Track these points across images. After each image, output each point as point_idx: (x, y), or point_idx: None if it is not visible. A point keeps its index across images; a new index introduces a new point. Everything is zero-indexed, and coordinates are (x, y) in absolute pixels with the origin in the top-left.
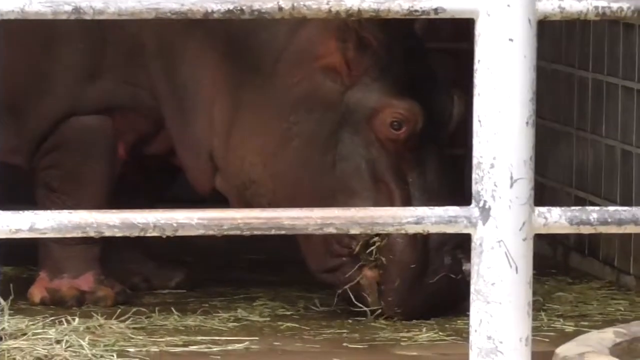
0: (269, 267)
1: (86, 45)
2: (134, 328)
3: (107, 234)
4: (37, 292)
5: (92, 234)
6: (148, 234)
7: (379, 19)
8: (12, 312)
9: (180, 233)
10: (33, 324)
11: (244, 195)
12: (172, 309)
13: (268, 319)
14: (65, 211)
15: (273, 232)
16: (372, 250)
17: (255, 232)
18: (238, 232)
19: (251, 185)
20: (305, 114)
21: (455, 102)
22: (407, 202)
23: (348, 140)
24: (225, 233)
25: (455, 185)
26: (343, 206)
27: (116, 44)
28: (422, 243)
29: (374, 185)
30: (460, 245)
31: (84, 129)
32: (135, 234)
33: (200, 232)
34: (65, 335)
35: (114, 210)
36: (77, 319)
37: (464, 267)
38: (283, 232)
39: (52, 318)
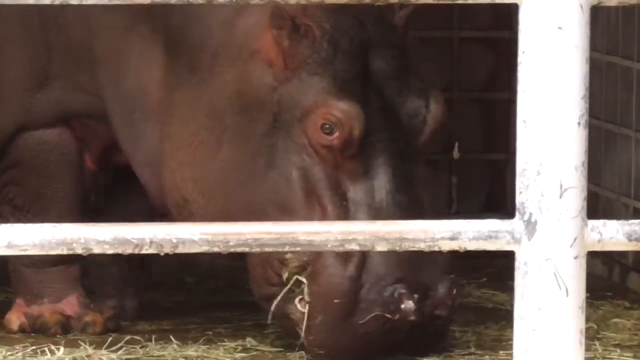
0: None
1: (30, 51)
2: (126, 359)
3: (97, 251)
4: (14, 319)
5: (79, 250)
6: (144, 251)
7: (336, 6)
8: None
9: (180, 250)
10: (11, 354)
11: (181, 215)
12: (171, 337)
13: (281, 349)
14: (49, 225)
15: (287, 248)
16: (299, 280)
17: (266, 249)
18: (246, 249)
19: (185, 205)
20: (237, 116)
21: (430, 105)
22: (342, 220)
23: (280, 145)
24: (232, 250)
25: (423, 205)
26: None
27: (61, 48)
28: (355, 274)
29: (306, 199)
30: (403, 279)
31: (40, 145)
32: (129, 251)
33: (204, 249)
34: None
35: (104, 224)
36: (62, 349)
37: (402, 306)
38: (298, 249)
39: (33, 347)
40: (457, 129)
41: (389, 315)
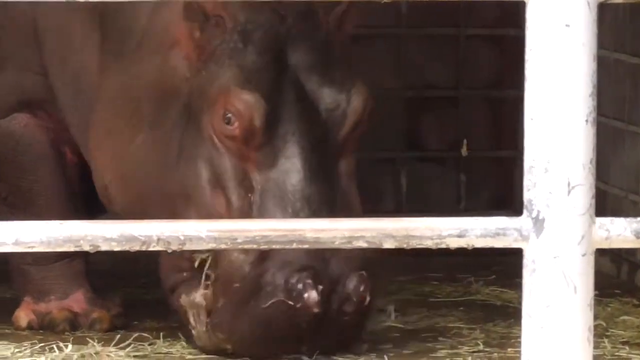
0: None
1: None
2: (135, 356)
3: (104, 248)
4: (23, 316)
5: (86, 247)
6: (151, 248)
7: (260, 4)
8: None
9: (187, 247)
10: (20, 351)
11: (105, 201)
12: (179, 334)
13: None
14: (56, 222)
15: (294, 245)
16: (204, 267)
17: (274, 246)
18: (254, 246)
19: (106, 191)
20: (153, 105)
21: (351, 98)
22: (246, 212)
23: (189, 136)
24: (240, 247)
25: (334, 200)
26: (181, 215)
27: (9, 27)
28: (257, 258)
29: (212, 190)
30: (309, 267)
31: (5, 137)
32: (136, 248)
33: (211, 245)
34: None
35: (111, 221)
36: (70, 346)
37: (305, 295)
38: (306, 246)
39: (42, 344)
40: (464, 127)
41: (291, 303)
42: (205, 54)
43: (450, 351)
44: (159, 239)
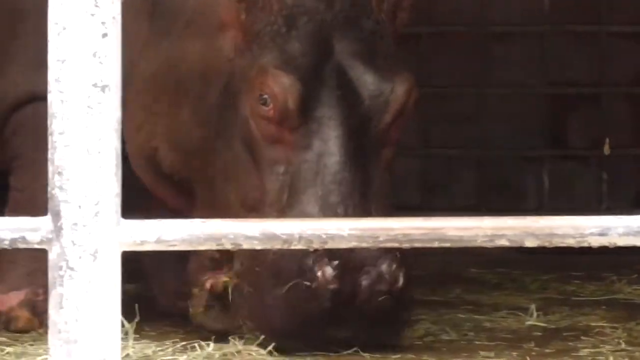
0: (431, 284)
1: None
2: (276, 355)
3: (245, 246)
4: None
5: (228, 246)
6: (292, 247)
7: None
8: (137, 336)
9: (330, 245)
10: (161, 350)
11: (150, 170)
12: None
13: (431, 344)
14: (198, 220)
15: (436, 244)
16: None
17: (416, 245)
18: (396, 245)
19: (155, 153)
20: (197, 84)
21: (395, 86)
22: (279, 194)
23: (228, 116)
24: (381, 246)
25: (370, 185)
26: (220, 191)
27: None
28: (276, 252)
29: (247, 171)
30: (328, 250)
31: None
32: (278, 246)
33: (353, 244)
34: None
35: (253, 220)
36: (211, 344)
37: (319, 272)
38: (448, 244)
39: (183, 343)
40: (607, 125)
41: (307, 283)
42: (250, 36)
43: (592, 350)
44: (300, 237)
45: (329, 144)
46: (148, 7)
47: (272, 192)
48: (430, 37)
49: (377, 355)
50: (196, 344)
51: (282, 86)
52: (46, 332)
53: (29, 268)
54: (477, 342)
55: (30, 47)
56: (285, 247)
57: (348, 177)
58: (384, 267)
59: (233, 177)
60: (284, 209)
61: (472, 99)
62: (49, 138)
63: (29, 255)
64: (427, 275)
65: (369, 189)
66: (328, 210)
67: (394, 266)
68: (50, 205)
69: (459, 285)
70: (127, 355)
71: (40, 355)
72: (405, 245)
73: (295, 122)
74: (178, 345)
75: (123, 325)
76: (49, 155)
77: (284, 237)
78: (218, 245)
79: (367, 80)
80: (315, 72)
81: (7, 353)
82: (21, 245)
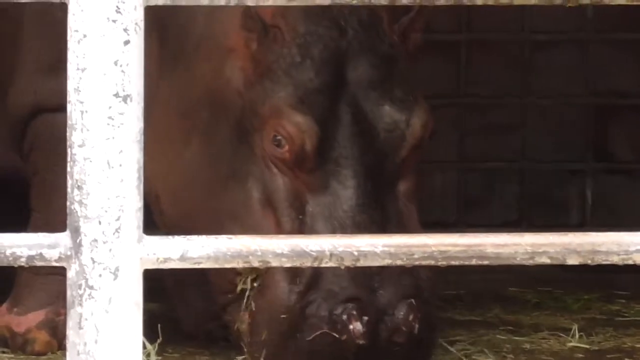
0: (469, 303)
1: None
2: None
3: (274, 263)
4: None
5: (255, 263)
6: (323, 264)
7: (318, 8)
8: (159, 358)
9: (361, 263)
10: None
11: (156, 212)
12: None
13: None
14: (224, 236)
15: (474, 262)
16: (246, 292)
17: (453, 262)
18: (431, 262)
19: (157, 201)
20: (206, 116)
21: (411, 119)
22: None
23: (241, 154)
24: (416, 263)
25: (389, 225)
26: (228, 234)
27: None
28: (303, 289)
29: (262, 212)
30: (356, 299)
31: (48, 126)
32: (308, 264)
33: (386, 262)
34: None
35: (282, 236)
36: None
37: (350, 326)
38: (486, 262)
39: None
40: None
41: (336, 335)
42: (261, 68)
43: None
44: (331, 255)
45: (345, 185)
46: (155, 31)
47: (289, 234)
48: (468, 45)
49: None
50: None
51: (298, 128)
52: (64, 354)
53: (49, 287)
54: None
55: (32, 56)
56: (315, 264)
57: (367, 220)
58: (400, 316)
59: (245, 219)
60: None
61: (513, 110)
62: (68, 150)
63: (49, 273)
64: (464, 294)
65: (388, 226)
66: None
67: (411, 316)
68: (69, 220)
69: (498, 304)
70: None
71: None
72: (442, 263)
73: (312, 164)
74: None
75: (145, 347)
76: (68, 169)
77: (314, 254)
78: (245, 262)
79: (382, 113)
80: (330, 108)
81: None
82: (38, 263)
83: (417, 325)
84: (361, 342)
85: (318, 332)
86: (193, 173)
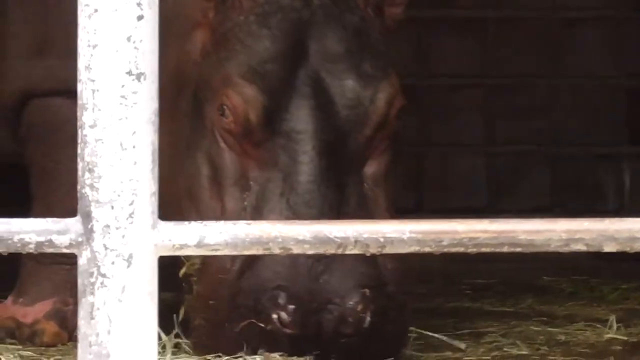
0: (501, 294)
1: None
2: None
3: (296, 250)
4: None
5: (276, 250)
6: (347, 252)
7: None
8: (175, 349)
9: (387, 250)
10: None
11: None
12: None
13: (500, 359)
14: (242, 222)
15: (506, 249)
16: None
17: (483, 250)
18: (461, 250)
19: None
20: (172, 91)
21: (376, 95)
22: (239, 215)
23: (195, 127)
24: (444, 251)
25: (344, 205)
26: (184, 216)
27: (54, 12)
28: (237, 275)
29: (210, 188)
30: (287, 287)
31: (41, 111)
32: (332, 250)
33: (414, 248)
34: None
35: (304, 222)
36: (257, 358)
37: (274, 315)
38: (518, 249)
39: (227, 357)
40: None
41: (261, 325)
42: (217, 37)
43: None
44: (356, 241)
45: (297, 161)
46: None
47: (233, 214)
48: (496, 23)
49: None
50: (241, 359)
51: (243, 98)
52: (75, 346)
53: (55, 276)
54: (550, 357)
55: (18, 40)
56: (340, 251)
57: (317, 198)
58: (349, 306)
59: (196, 196)
60: None
61: (543, 90)
62: (79, 131)
63: (53, 262)
64: (495, 284)
65: (347, 209)
66: None
67: (360, 307)
68: (79, 205)
69: (531, 294)
70: None
71: None
72: (472, 250)
73: (259, 137)
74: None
75: (160, 338)
76: (79, 150)
77: (339, 240)
78: (265, 249)
79: (344, 88)
80: (286, 80)
81: None
82: (48, 249)
83: (367, 317)
84: (289, 331)
85: (245, 322)
86: (163, 151)
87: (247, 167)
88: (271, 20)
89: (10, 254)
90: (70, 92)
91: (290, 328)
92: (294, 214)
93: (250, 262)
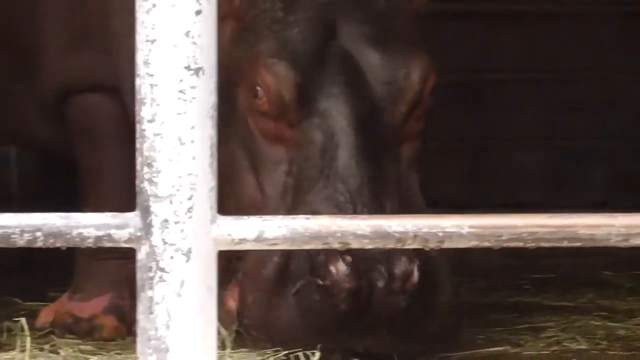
0: (560, 288)
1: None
2: None
3: (355, 245)
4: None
5: (335, 245)
6: (406, 246)
7: None
8: (235, 345)
9: (446, 245)
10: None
11: None
12: None
13: (560, 354)
14: (301, 217)
15: (565, 244)
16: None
17: (543, 244)
18: (520, 244)
19: None
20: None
21: (410, 72)
22: (280, 198)
23: (226, 115)
24: (504, 245)
25: (389, 188)
26: (223, 201)
27: (84, 9)
28: (283, 253)
29: (245, 174)
30: (335, 250)
31: (85, 106)
32: (390, 245)
33: (473, 243)
34: None
35: (363, 216)
36: (317, 354)
37: (332, 268)
38: (578, 244)
39: (286, 352)
40: None
41: (319, 281)
42: (245, 24)
43: None
44: (415, 236)
45: (334, 139)
46: None
47: (273, 197)
48: (556, 17)
49: None
50: (300, 354)
51: (275, 75)
52: (134, 340)
53: (110, 271)
54: (610, 352)
55: (54, 36)
56: (399, 246)
57: (357, 175)
58: (398, 265)
59: (230, 181)
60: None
61: (603, 85)
62: (137, 126)
63: (107, 258)
64: (555, 278)
65: (384, 188)
66: (336, 213)
67: (409, 264)
68: (138, 200)
69: (591, 289)
70: None
71: None
72: (531, 245)
73: (294, 117)
74: (280, 355)
75: (220, 333)
76: (137, 145)
77: (398, 235)
78: (324, 244)
79: (376, 66)
80: (317, 59)
81: None
82: (107, 244)
83: (415, 273)
84: (348, 285)
85: (302, 282)
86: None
87: (284, 150)
88: (298, 5)
89: (66, 251)
90: (106, 88)
91: (349, 282)
92: (333, 191)
93: None
